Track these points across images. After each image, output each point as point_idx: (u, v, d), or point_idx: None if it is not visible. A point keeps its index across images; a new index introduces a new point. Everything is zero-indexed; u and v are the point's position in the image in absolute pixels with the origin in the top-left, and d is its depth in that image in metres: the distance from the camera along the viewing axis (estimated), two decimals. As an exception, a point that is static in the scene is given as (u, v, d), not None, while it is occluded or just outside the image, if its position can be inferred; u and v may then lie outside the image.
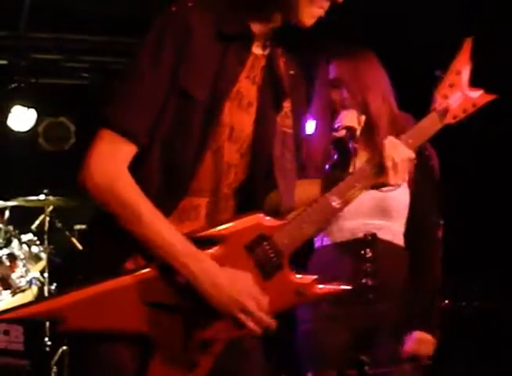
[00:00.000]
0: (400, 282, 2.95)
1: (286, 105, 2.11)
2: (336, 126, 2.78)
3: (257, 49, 2.05)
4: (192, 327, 1.89)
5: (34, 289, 5.41)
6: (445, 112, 2.13)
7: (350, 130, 2.77)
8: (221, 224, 1.94)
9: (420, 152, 2.98)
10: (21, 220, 5.66)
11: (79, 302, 1.83)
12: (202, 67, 1.94)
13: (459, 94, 2.13)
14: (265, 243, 1.95)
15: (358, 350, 2.89)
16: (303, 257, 3.11)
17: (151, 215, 1.87)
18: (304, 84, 2.26)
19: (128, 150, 1.91)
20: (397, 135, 2.91)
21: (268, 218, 1.98)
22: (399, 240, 3.03)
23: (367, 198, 2.87)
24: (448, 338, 4.97)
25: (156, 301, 1.86)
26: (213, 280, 1.85)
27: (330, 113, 2.94)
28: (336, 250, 2.97)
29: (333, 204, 2.03)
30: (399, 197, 2.97)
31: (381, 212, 2.92)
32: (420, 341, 2.99)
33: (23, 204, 5.60)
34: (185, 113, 1.93)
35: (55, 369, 5.24)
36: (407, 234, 3.04)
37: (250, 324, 1.88)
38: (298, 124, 2.19)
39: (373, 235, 2.94)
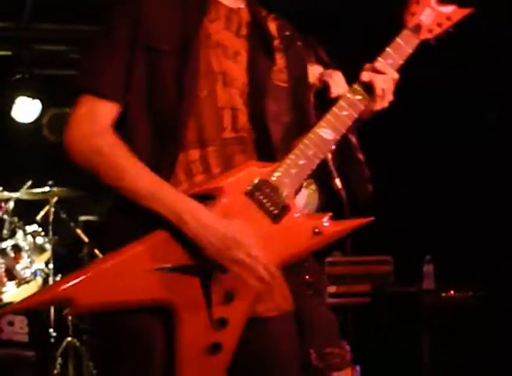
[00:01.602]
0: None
1: (280, 61, 2.16)
2: None
3: (229, 2, 2.12)
4: (209, 281, 1.87)
5: (39, 280, 5.41)
6: (417, 28, 2.12)
7: None
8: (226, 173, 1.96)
9: None
10: (26, 211, 5.66)
11: (85, 281, 1.81)
12: (163, 21, 2.00)
13: (428, 10, 2.13)
14: (264, 186, 1.95)
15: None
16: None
17: (135, 168, 1.91)
18: (303, 45, 2.29)
19: (107, 110, 1.97)
20: None
21: (262, 163, 1.99)
22: None
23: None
24: (455, 328, 4.99)
25: (168, 266, 1.84)
26: (204, 231, 1.86)
27: None
28: None
29: (325, 135, 2.03)
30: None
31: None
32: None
33: (27, 196, 5.60)
34: (158, 67, 1.97)
35: (60, 360, 5.24)
36: None
37: (245, 275, 1.87)
38: (296, 81, 2.21)
39: None
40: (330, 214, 2.04)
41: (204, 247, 1.86)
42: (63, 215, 5.75)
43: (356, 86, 2.09)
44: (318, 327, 2.90)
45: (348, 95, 2.08)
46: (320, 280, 3.02)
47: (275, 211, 1.95)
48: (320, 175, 2.79)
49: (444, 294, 5.26)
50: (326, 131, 2.03)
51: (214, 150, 1.99)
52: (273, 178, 1.96)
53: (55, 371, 5.16)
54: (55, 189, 5.62)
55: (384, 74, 2.07)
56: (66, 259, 5.77)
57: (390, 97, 2.11)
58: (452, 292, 5.27)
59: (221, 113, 2.01)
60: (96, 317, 1.94)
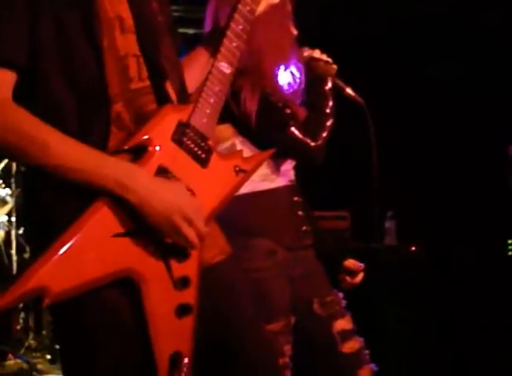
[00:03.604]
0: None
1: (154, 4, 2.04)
2: None
3: None
4: (161, 243, 1.82)
5: (1, 233, 5.40)
6: None
7: None
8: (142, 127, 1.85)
9: None
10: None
11: (53, 265, 1.69)
12: None
13: None
14: (187, 130, 1.89)
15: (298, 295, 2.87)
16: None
17: (58, 140, 1.75)
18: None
19: (6, 79, 1.78)
20: None
21: (176, 106, 1.94)
22: None
23: None
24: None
25: (122, 231, 1.77)
26: (150, 196, 1.77)
27: None
28: (272, 196, 2.82)
29: (224, 70, 2.01)
30: None
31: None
32: None
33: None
34: (64, 22, 1.79)
35: (22, 314, 5.28)
36: None
37: (190, 234, 1.81)
38: (166, 11, 2.10)
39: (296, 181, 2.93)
40: (242, 150, 2.06)
41: (147, 214, 1.78)
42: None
43: (236, 15, 2.06)
44: (318, 276, 2.92)
45: (233, 25, 2.05)
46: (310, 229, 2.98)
47: (203, 156, 1.92)
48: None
49: (404, 251, 5.31)
50: (224, 66, 2.00)
51: (123, 105, 1.84)
52: (193, 121, 1.91)
53: (18, 326, 5.18)
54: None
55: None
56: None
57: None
58: (413, 248, 5.32)
59: (125, 63, 1.85)
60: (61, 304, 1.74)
